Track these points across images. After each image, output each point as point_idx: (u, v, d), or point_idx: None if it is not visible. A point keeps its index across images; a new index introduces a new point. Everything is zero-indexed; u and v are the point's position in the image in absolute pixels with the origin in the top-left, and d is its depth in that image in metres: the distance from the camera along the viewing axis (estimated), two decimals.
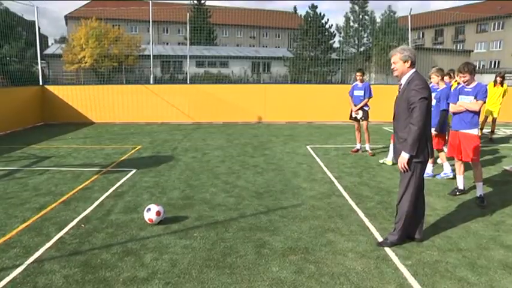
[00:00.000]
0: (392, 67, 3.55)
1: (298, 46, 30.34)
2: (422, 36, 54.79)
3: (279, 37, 55.65)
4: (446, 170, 6.01)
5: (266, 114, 13.25)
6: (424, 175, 5.95)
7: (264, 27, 53.32)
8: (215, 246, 3.61)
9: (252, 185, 5.61)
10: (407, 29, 15.09)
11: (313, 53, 28.24)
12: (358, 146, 7.96)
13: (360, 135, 7.95)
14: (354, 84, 7.98)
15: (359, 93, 7.74)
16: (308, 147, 8.59)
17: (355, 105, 7.75)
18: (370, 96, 7.69)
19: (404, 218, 3.52)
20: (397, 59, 3.48)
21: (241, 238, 3.78)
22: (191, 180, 5.84)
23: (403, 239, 3.63)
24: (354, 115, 7.83)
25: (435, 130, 5.62)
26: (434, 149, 5.95)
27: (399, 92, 3.57)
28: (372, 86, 7.81)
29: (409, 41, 15.07)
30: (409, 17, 14.28)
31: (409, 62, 3.45)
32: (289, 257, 3.40)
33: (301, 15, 43.58)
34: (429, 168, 6.07)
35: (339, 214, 4.42)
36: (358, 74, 7.85)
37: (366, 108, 7.73)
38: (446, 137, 6.03)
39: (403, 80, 3.51)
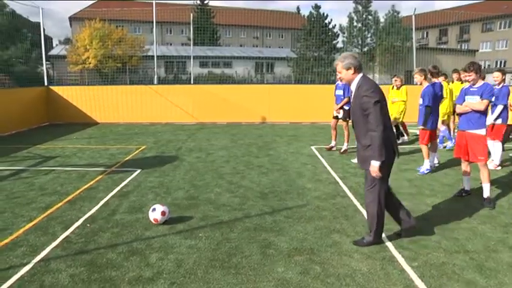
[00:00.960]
0: (338, 76, 3.56)
1: (301, 46, 30.33)
2: (427, 35, 54.50)
3: (282, 37, 55.58)
4: (426, 165, 6.23)
5: (270, 115, 13.24)
6: (425, 171, 6.19)
7: (267, 27, 53.27)
8: (220, 246, 3.61)
9: (257, 185, 5.61)
10: (411, 29, 15.00)
11: (316, 53, 28.23)
12: (332, 143, 8.18)
13: (336, 133, 8.13)
14: (336, 83, 8.08)
15: (339, 92, 7.87)
16: (312, 147, 8.57)
17: (337, 105, 7.86)
18: (349, 96, 7.72)
19: (376, 219, 3.50)
20: (340, 68, 3.49)
21: (247, 238, 3.77)
22: (196, 181, 5.85)
23: (380, 238, 3.63)
24: (335, 114, 7.96)
25: (422, 125, 6.06)
26: (420, 144, 6.25)
27: (352, 99, 3.54)
28: None
29: (413, 40, 14.97)
30: (413, 16, 14.21)
31: (352, 68, 3.43)
32: (294, 257, 3.39)
33: (304, 16, 43.53)
34: (427, 164, 6.21)
35: (344, 215, 4.41)
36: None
37: (346, 108, 7.78)
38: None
39: (353, 87, 3.50)
